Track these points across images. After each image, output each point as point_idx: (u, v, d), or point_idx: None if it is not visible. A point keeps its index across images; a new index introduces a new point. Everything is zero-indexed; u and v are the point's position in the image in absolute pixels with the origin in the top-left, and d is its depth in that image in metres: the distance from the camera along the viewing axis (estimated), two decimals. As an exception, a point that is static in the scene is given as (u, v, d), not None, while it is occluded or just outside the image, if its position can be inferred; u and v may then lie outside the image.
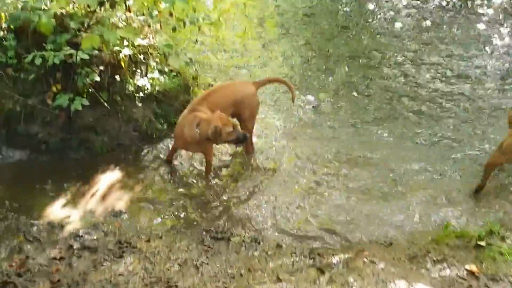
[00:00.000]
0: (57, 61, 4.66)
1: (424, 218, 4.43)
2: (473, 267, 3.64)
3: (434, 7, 8.29)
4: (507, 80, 6.63)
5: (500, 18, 7.95)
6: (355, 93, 6.38)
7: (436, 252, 3.87)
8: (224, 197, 4.66)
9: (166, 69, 5.57)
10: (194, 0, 5.28)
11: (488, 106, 6.11)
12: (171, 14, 5.43)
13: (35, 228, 4.11)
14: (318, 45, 7.33)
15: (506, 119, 4.81)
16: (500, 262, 3.70)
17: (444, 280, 3.55)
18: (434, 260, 3.76)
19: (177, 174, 4.93)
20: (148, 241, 4.00)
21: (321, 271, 3.64)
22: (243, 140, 4.59)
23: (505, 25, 7.77)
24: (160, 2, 5.19)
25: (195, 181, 4.86)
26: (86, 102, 4.81)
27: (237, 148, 5.11)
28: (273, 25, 7.74)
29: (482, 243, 3.87)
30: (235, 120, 4.78)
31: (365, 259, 3.75)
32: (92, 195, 4.58)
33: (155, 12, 5.34)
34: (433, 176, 5.00)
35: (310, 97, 6.20)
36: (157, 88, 5.35)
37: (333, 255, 3.89)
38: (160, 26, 5.82)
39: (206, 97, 4.80)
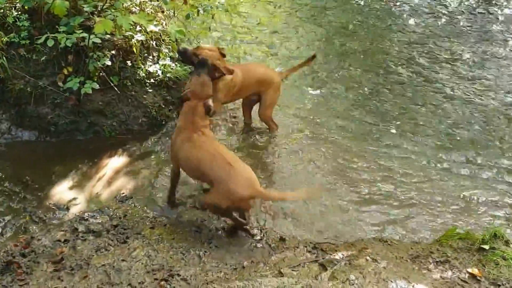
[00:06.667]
0: (69, 44, 4.66)
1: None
2: (475, 270, 3.61)
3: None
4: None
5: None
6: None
7: (439, 253, 3.85)
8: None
9: (178, 56, 5.55)
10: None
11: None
12: (185, 1, 5.41)
13: (41, 209, 4.15)
14: (329, 38, 7.29)
15: None
16: (503, 267, 3.67)
17: (446, 282, 3.52)
18: (436, 261, 3.74)
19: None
20: (153, 228, 4.01)
21: (323, 267, 3.62)
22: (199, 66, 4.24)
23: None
24: (174, -12, 5.17)
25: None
26: (96, 85, 4.82)
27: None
28: (286, 17, 7.70)
29: (486, 247, 3.84)
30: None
31: (367, 257, 3.73)
32: (99, 178, 4.60)
33: (169, -2, 5.32)
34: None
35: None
36: (168, 75, 5.33)
37: (335, 251, 3.88)
38: (174, 12, 5.80)
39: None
